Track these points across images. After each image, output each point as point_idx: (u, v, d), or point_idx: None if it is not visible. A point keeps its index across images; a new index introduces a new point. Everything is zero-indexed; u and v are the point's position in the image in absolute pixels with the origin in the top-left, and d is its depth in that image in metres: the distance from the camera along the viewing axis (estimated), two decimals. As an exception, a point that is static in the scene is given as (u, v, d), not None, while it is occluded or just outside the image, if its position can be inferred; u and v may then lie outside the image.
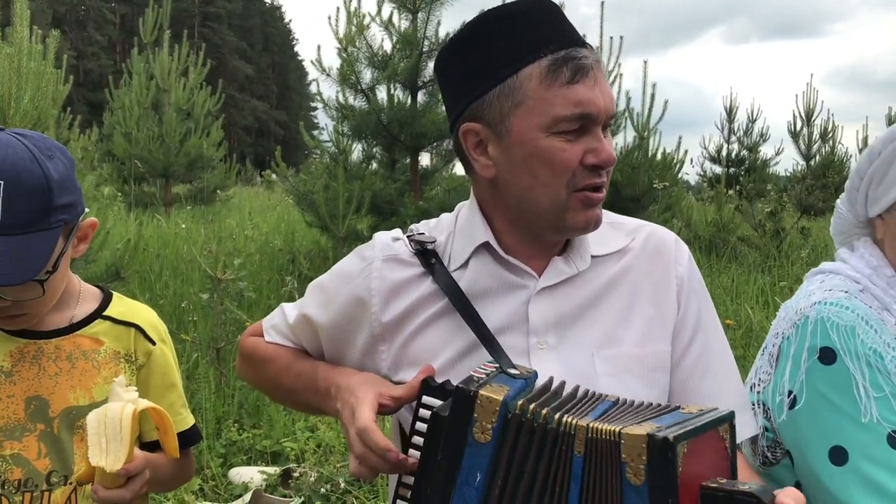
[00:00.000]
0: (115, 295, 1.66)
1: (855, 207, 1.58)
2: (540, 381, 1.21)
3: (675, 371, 1.37)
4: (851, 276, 1.50)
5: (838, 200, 1.65)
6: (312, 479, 3.68)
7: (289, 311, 1.57)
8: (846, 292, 1.46)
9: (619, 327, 1.36)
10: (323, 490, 3.61)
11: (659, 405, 1.15)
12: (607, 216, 1.48)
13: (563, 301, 1.36)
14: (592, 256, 1.39)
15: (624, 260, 1.41)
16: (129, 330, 1.62)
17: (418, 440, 1.22)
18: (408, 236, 1.44)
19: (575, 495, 1.08)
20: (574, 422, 1.09)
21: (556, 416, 1.10)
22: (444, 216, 1.50)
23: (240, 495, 3.63)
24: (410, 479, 1.22)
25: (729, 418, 1.08)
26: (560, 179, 1.28)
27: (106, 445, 1.32)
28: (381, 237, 1.46)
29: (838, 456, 1.32)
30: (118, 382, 1.41)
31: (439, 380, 1.25)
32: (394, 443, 1.27)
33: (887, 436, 1.30)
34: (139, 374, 1.62)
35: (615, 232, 1.44)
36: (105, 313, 1.61)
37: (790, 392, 1.40)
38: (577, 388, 1.20)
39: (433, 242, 1.41)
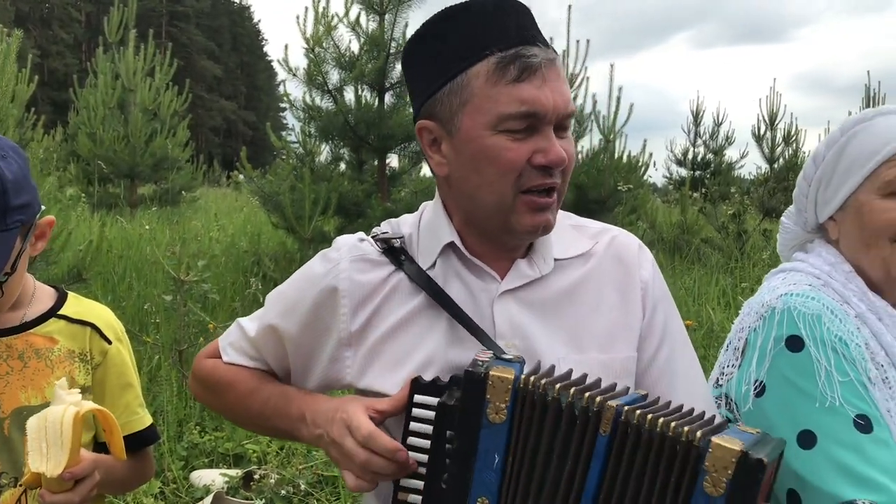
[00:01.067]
0: (71, 294, 1.65)
1: (804, 216, 1.62)
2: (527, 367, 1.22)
3: (643, 377, 1.38)
4: (812, 273, 1.54)
5: (783, 217, 1.69)
6: (274, 481, 3.67)
7: (247, 325, 1.50)
8: (810, 285, 1.50)
9: (583, 333, 1.35)
10: (284, 492, 3.60)
11: (703, 414, 1.17)
12: (571, 219, 1.48)
13: (526, 304, 1.34)
14: (556, 260, 1.38)
15: (588, 264, 1.40)
16: (84, 329, 1.61)
17: (414, 441, 1.21)
18: (372, 237, 1.41)
19: (595, 473, 1.10)
20: (599, 399, 1.11)
21: (575, 392, 1.12)
22: (406, 216, 1.48)
23: (201, 498, 3.60)
24: (410, 482, 1.21)
25: (783, 446, 1.10)
26: (506, 179, 1.27)
27: (46, 450, 1.30)
28: (346, 239, 1.43)
29: (807, 440, 1.34)
30: (59, 385, 1.39)
31: (422, 377, 1.25)
32: None
33: (853, 419, 1.33)
34: (95, 374, 1.61)
35: (579, 235, 1.44)
36: (60, 312, 1.60)
37: (757, 381, 1.43)
38: (570, 371, 1.21)
39: (401, 238, 1.40)
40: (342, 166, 8.31)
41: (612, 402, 1.10)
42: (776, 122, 14.65)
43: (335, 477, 3.74)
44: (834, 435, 1.33)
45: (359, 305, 1.35)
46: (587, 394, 1.12)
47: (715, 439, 1.04)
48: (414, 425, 1.22)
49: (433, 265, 1.36)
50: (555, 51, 1.30)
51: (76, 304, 1.64)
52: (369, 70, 7.09)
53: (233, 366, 1.50)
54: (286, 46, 7.47)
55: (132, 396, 1.67)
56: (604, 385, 1.20)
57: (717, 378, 1.53)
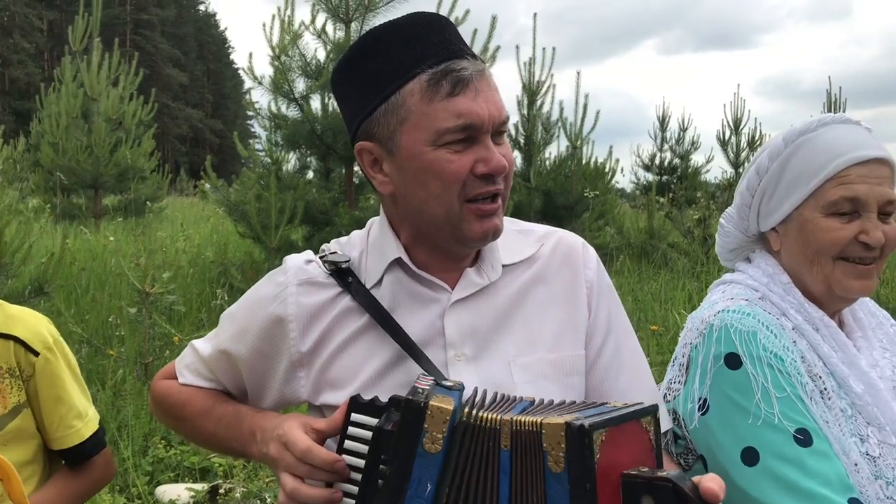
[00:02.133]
0: None
1: (745, 223, 1.62)
2: (466, 393, 1.21)
3: (590, 373, 1.40)
4: (750, 285, 1.55)
5: (722, 219, 1.69)
6: (240, 494, 3.63)
7: (201, 347, 1.51)
8: (747, 300, 1.50)
9: (532, 334, 1.38)
10: (251, 505, 3.57)
11: (586, 402, 1.18)
12: (516, 224, 1.50)
13: (477, 312, 1.37)
14: (503, 266, 1.41)
15: (534, 267, 1.43)
16: (7, 343, 1.55)
17: (349, 459, 1.20)
18: (320, 257, 1.43)
19: (505, 488, 1.10)
20: (499, 417, 1.11)
21: (482, 413, 1.13)
22: (355, 233, 1.49)
23: (167, 513, 3.56)
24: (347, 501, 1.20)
25: (652, 411, 1.11)
26: (451, 190, 1.29)
27: None
28: (293, 260, 1.44)
29: (750, 457, 1.36)
30: None
31: (365, 397, 1.24)
32: None
33: (793, 434, 1.35)
34: (28, 387, 1.56)
35: (524, 239, 1.46)
36: None
37: (700, 398, 1.44)
38: (507, 396, 1.21)
39: (347, 261, 1.41)
40: (309, 174, 8.29)
41: (507, 416, 1.11)
42: (741, 127, 14.87)
43: (303, 489, 3.71)
44: (775, 450, 1.34)
45: (306, 327, 1.37)
46: (483, 413, 1.13)
47: (546, 420, 1.06)
48: (349, 444, 1.21)
49: (379, 282, 1.39)
50: (483, 61, 1.33)
51: (1, 316, 1.57)
52: (335, 78, 7.07)
53: (188, 387, 1.51)
54: (250, 55, 7.43)
55: (65, 409, 1.61)
56: (547, 397, 1.21)
57: (665, 393, 1.54)
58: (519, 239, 1.46)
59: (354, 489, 1.19)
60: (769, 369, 1.39)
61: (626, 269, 8.22)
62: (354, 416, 1.22)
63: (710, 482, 1.03)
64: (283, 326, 1.38)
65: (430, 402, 1.13)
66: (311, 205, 7.14)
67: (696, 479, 1.03)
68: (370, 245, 1.43)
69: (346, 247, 1.46)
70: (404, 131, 1.30)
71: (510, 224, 1.48)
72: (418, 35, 1.31)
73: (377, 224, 1.46)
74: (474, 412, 1.14)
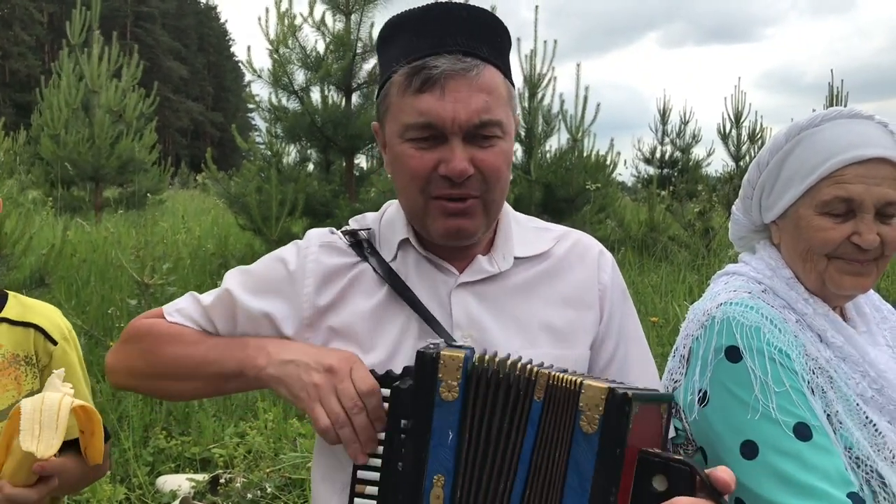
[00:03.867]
0: (11, 295, 1.61)
1: (750, 214, 1.62)
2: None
3: (603, 376, 1.40)
4: (754, 277, 1.55)
5: (734, 207, 1.69)
6: (240, 485, 3.64)
7: (202, 296, 1.47)
8: (749, 293, 1.50)
9: (537, 328, 1.38)
10: (251, 496, 3.57)
11: (608, 378, 1.21)
12: (535, 221, 1.53)
13: (483, 299, 1.38)
14: (516, 258, 1.42)
15: (546, 263, 1.44)
16: (27, 331, 1.58)
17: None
18: (342, 231, 1.46)
19: (531, 439, 1.12)
20: (536, 369, 1.14)
21: (518, 363, 1.15)
22: (369, 214, 1.52)
23: (168, 503, 3.57)
24: (366, 474, 1.22)
25: (669, 398, 1.13)
26: (413, 185, 1.33)
27: (39, 432, 1.30)
28: (316, 231, 1.48)
29: (749, 450, 1.36)
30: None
31: (383, 366, 1.27)
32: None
33: (792, 428, 1.35)
34: (42, 376, 1.58)
35: (542, 235, 1.48)
36: (1, 315, 1.57)
37: (701, 390, 1.44)
38: (520, 357, 1.22)
39: (368, 230, 1.45)
40: (310, 167, 8.28)
41: (545, 370, 1.14)
42: (741, 120, 14.81)
43: (303, 480, 3.72)
44: (774, 444, 1.34)
45: (322, 284, 1.39)
46: (521, 364, 1.16)
47: (587, 381, 1.08)
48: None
49: (394, 258, 1.41)
50: (484, 59, 1.31)
51: (18, 306, 1.60)
52: (335, 70, 7.07)
53: (176, 325, 1.44)
54: (248, 48, 7.42)
55: (79, 399, 1.64)
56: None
57: (666, 385, 1.54)
58: (536, 235, 1.48)
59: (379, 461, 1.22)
60: (770, 363, 1.38)
61: (626, 262, 8.22)
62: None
63: (723, 473, 1.04)
64: (299, 281, 1.39)
65: (442, 353, 1.16)
66: (311, 197, 7.14)
67: (709, 470, 1.04)
68: (383, 224, 1.47)
69: (363, 222, 1.50)
70: (387, 120, 1.36)
71: (530, 221, 1.52)
72: (419, 26, 1.33)
73: (395, 204, 1.48)
74: (487, 357, 1.17)
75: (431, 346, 1.20)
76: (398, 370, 1.24)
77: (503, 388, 1.15)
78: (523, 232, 1.44)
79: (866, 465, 1.38)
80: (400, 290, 1.36)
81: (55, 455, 1.32)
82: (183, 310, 1.45)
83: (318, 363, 1.24)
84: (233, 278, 1.45)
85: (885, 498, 1.37)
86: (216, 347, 1.37)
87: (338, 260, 1.41)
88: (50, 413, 1.32)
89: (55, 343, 1.60)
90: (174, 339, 1.41)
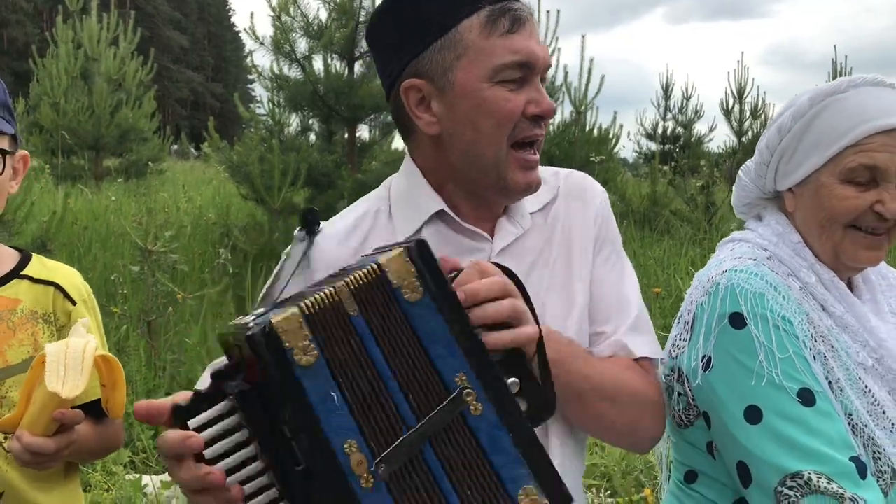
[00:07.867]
0: (36, 256, 1.62)
1: (762, 180, 1.60)
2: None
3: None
4: (759, 244, 1.54)
5: (740, 172, 1.67)
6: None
7: None
8: (754, 260, 1.49)
9: (568, 275, 1.40)
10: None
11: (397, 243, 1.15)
12: None
13: (517, 261, 1.35)
14: (530, 213, 1.42)
15: (553, 209, 1.45)
16: (47, 289, 1.58)
17: (226, 462, 0.97)
18: None
19: (377, 351, 0.99)
20: (330, 290, 1.00)
21: (317, 296, 0.99)
22: (362, 200, 1.46)
23: (171, 467, 3.59)
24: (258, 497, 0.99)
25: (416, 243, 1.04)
26: (502, 130, 1.30)
27: (64, 374, 1.30)
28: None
29: (753, 415, 1.36)
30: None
31: None
32: None
33: (796, 394, 1.35)
34: (60, 336, 1.58)
35: (543, 185, 1.45)
36: (23, 272, 1.57)
37: (704, 357, 1.44)
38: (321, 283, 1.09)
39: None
40: (312, 137, 8.23)
41: (338, 283, 1.00)
42: (744, 95, 14.74)
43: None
44: (778, 409, 1.35)
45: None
46: (317, 296, 0.99)
47: (382, 257, 1.01)
48: (211, 451, 0.96)
49: (418, 231, 1.36)
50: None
51: (40, 265, 1.61)
52: (338, 38, 7.02)
53: None
54: (252, 14, 7.36)
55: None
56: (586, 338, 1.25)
57: (670, 350, 1.54)
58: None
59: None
60: (774, 330, 1.38)
61: (629, 236, 8.22)
62: (193, 423, 0.96)
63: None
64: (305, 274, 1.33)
65: (272, 320, 0.96)
66: (313, 167, 7.10)
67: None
68: (395, 202, 1.41)
69: (361, 215, 1.41)
70: (460, 67, 1.29)
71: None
72: None
73: (399, 180, 1.43)
74: (310, 300, 0.99)
75: (252, 324, 0.99)
76: None
77: (329, 324, 0.99)
78: None
79: (864, 434, 1.40)
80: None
81: (77, 404, 1.31)
82: None
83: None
84: None
85: (880, 467, 1.39)
86: None
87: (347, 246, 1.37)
88: (75, 356, 1.31)
89: (74, 303, 1.60)
90: None
